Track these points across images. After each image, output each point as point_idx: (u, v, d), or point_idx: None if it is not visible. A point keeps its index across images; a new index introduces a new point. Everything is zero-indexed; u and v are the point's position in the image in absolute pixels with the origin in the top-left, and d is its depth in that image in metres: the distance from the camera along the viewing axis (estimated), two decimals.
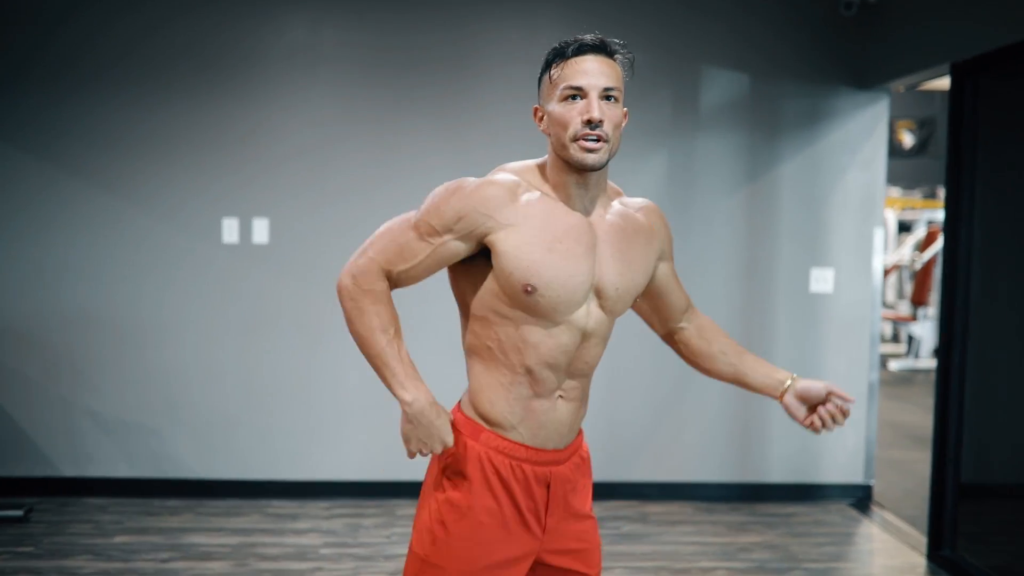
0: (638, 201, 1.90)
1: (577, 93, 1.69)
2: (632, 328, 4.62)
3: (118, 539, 4.00)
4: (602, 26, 4.58)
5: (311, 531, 4.16)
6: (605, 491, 4.66)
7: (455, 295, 1.84)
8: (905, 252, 10.01)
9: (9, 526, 4.11)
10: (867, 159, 4.66)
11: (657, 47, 4.57)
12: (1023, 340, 3.55)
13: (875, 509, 4.64)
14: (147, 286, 4.53)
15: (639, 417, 4.69)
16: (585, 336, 1.78)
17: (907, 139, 12.68)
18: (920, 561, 3.98)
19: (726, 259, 4.65)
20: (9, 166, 4.46)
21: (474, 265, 1.77)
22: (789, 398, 1.90)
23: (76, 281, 4.51)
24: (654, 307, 1.99)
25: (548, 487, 1.81)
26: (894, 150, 12.57)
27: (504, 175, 1.76)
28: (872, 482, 4.78)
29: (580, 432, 1.91)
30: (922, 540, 4.13)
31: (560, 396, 1.80)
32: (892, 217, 10.76)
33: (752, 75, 4.61)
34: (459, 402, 1.86)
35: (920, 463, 5.39)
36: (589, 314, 1.77)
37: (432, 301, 3.72)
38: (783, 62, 4.61)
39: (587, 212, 1.78)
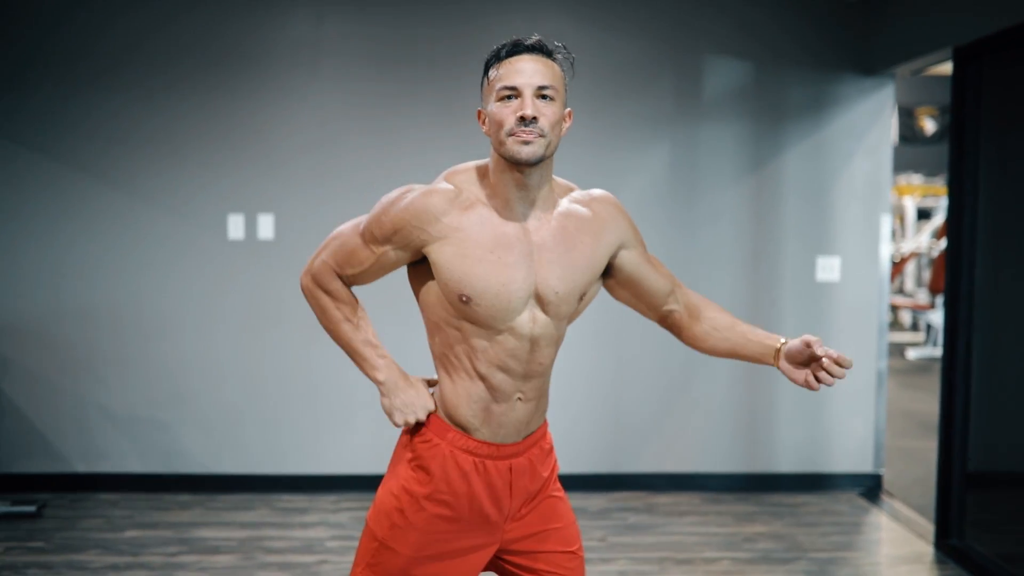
0: (590, 193, 1.90)
1: (512, 93, 1.72)
2: (637, 319, 4.61)
3: (128, 533, 4.05)
4: (603, 17, 4.60)
5: (319, 524, 4.19)
6: (611, 482, 4.67)
7: (417, 299, 1.89)
8: (923, 240, 9.92)
9: (23, 522, 4.17)
10: (873, 146, 4.62)
11: (659, 36, 4.56)
12: None
13: (885, 498, 4.62)
14: (155, 282, 4.57)
15: (645, 407, 4.68)
16: (533, 341, 1.81)
17: (928, 126, 12.55)
18: (928, 550, 3.96)
19: (731, 248, 4.63)
20: (16, 163, 4.52)
21: (424, 272, 1.83)
22: (783, 363, 1.85)
23: (84, 277, 4.56)
24: (635, 295, 1.97)
25: (510, 478, 1.87)
26: (916, 137, 12.46)
27: (444, 185, 1.80)
28: (882, 471, 4.76)
29: (545, 423, 1.95)
30: (930, 529, 4.10)
31: (519, 399, 1.84)
32: (911, 205, 10.67)
33: (755, 63, 4.58)
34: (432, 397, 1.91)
35: (933, 451, 5.34)
36: (534, 320, 1.80)
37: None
38: (786, 50, 4.58)
39: (524, 218, 1.79)
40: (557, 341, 1.86)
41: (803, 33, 4.57)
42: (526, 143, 1.70)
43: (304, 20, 4.52)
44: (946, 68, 4.55)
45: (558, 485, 1.98)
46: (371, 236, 1.81)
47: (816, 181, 4.63)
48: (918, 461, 5.30)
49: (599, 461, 4.66)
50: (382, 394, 1.86)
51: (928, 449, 5.49)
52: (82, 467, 4.61)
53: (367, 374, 1.87)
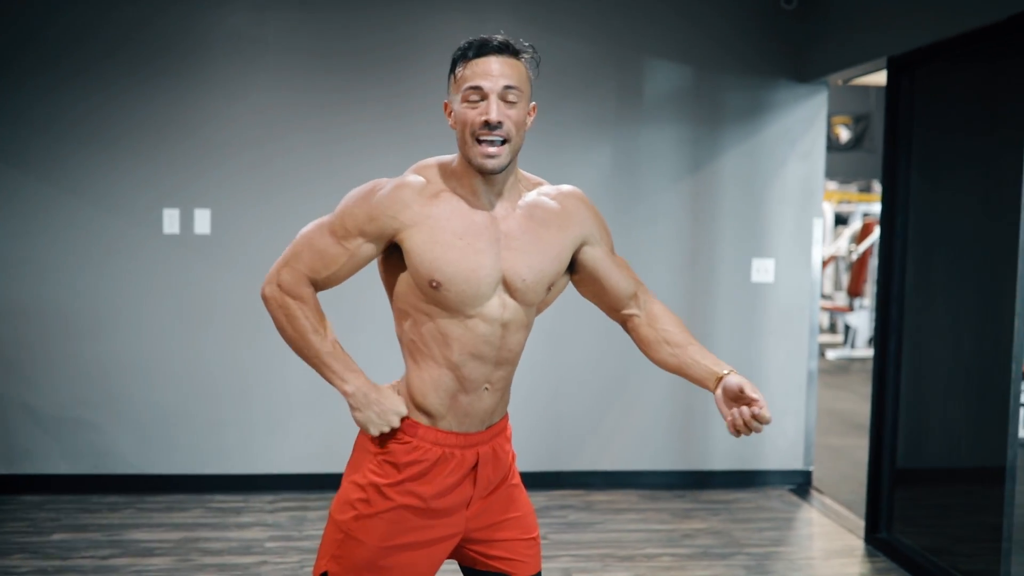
0: (559, 188, 1.94)
1: (478, 95, 1.74)
2: (577, 320, 4.66)
3: (56, 537, 3.92)
4: (548, 17, 4.62)
5: (256, 525, 4.11)
6: (551, 480, 4.70)
7: (387, 290, 1.90)
8: (842, 244, 10.22)
9: None
10: (806, 151, 4.75)
11: (602, 38, 4.60)
12: (956, 329, 3.66)
13: (814, 494, 4.75)
14: (86, 277, 4.43)
15: (583, 407, 4.72)
16: (504, 326, 1.83)
17: (843, 134, 12.94)
18: (858, 544, 4.08)
19: (669, 249, 4.71)
20: None
21: (394, 262, 1.84)
22: (718, 392, 1.86)
23: (12, 272, 4.39)
24: (596, 293, 2.00)
25: (476, 466, 1.89)
26: (831, 144, 12.84)
27: (413, 177, 1.82)
28: (812, 468, 4.89)
29: (506, 415, 1.98)
30: (859, 523, 4.23)
31: (487, 388, 1.86)
32: (829, 210, 10.98)
33: (695, 67, 4.66)
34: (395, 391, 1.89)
35: (857, 449, 5.53)
36: (504, 306, 1.83)
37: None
38: (726, 55, 4.67)
39: (492, 207, 1.82)
40: (527, 327, 1.89)
41: (742, 39, 4.67)
42: (491, 157, 1.74)
43: (244, 11, 4.43)
44: (862, 78, 4.70)
45: (516, 474, 2.01)
46: (343, 231, 1.80)
47: (752, 184, 4.73)
48: (844, 458, 5.46)
49: (538, 460, 4.68)
50: (352, 407, 1.83)
51: (853, 447, 5.67)
52: (3, 468, 4.44)
53: (336, 386, 1.85)
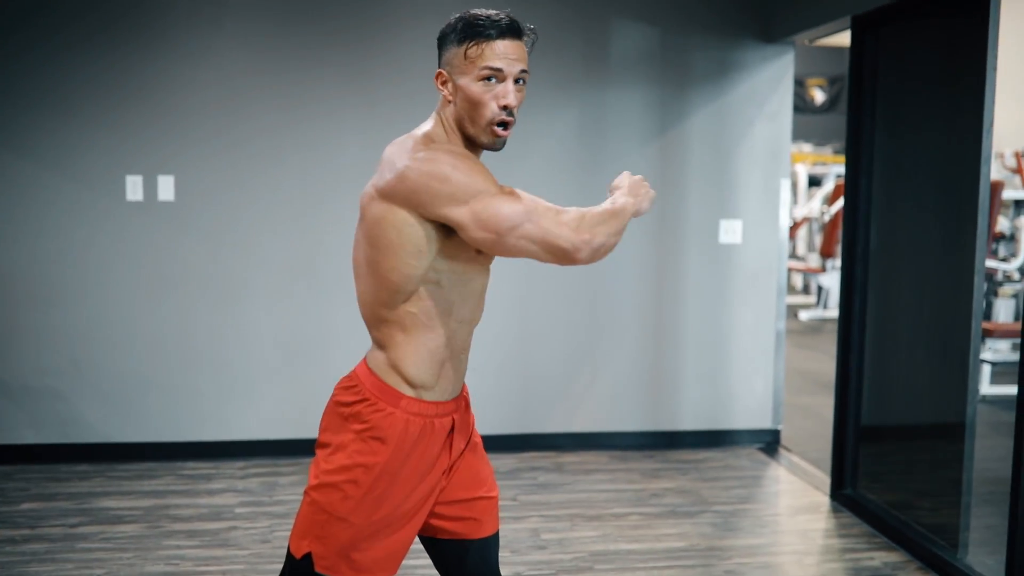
0: None
1: (495, 75, 1.77)
2: (545, 284, 4.66)
3: (24, 506, 3.91)
4: None
5: (226, 491, 4.12)
6: (520, 443, 4.73)
7: (389, 280, 1.80)
8: (815, 205, 10.26)
9: None
10: (773, 112, 4.75)
11: (567, 0, 4.56)
12: (920, 288, 3.69)
13: (783, 452, 4.80)
14: (49, 245, 4.38)
15: (552, 370, 4.74)
16: (487, 275, 1.91)
17: (818, 96, 12.96)
18: (823, 500, 4.14)
19: None
20: None
21: (412, 227, 1.75)
22: None
23: None
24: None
25: (451, 432, 1.91)
26: (806, 106, 12.88)
27: (444, 143, 1.80)
28: (780, 427, 4.94)
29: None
30: (826, 480, 4.29)
31: (462, 354, 1.91)
32: (803, 172, 11.00)
33: (661, 28, 4.64)
34: (368, 368, 1.86)
35: (826, 408, 5.57)
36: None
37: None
38: (692, 15, 4.65)
39: None
40: None
41: (708, 0, 4.65)
42: (500, 137, 1.80)
43: None
44: (837, 40, 4.69)
45: (476, 433, 2.05)
46: (495, 183, 1.75)
47: (719, 146, 4.73)
48: (813, 417, 5.52)
49: (508, 423, 4.70)
50: (632, 205, 1.95)
51: (822, 405, 5.73)
52: None
53: (627, 214, 1.90)
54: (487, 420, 4.61)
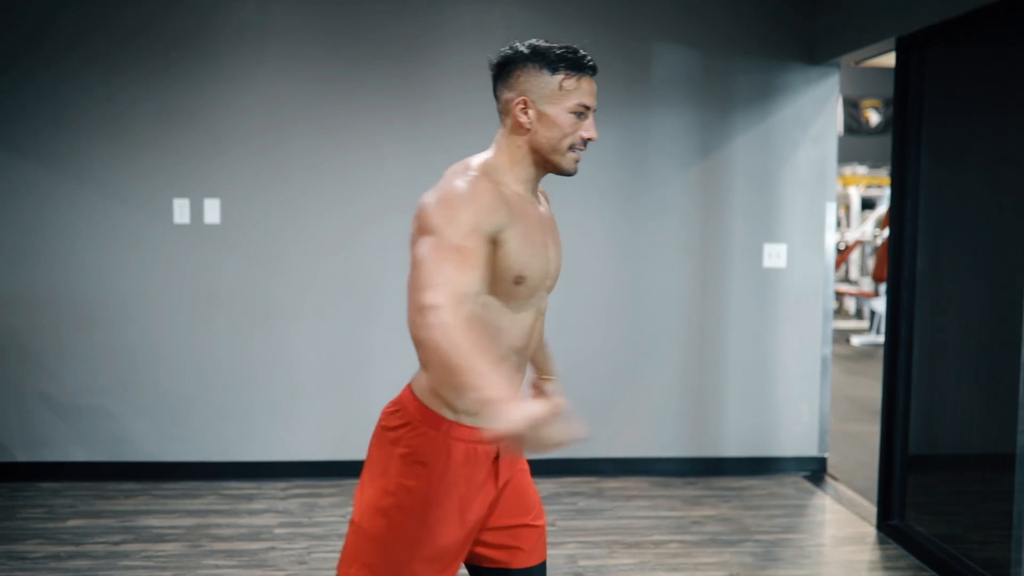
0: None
1: (585, 111, 1.84)
2: (586, 307, 4.64)
3: (70, 523, 3.98)
4: (552, 3, 4.58)
5: (266, 511, 4.15)
6: (561, 467, 4.70)
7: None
8: (867, 229, 10.10)
9: None
10: (818, 134, 4.69)
11: (608, 23, 4.56)
12: (967, 314, 3.60)
13: (829, 481, 4.70)
14: (99, 267, 4.48)
15: (594, 393, 4.71)
16: (538, 315, 1.90)
17: (873, 117, 12.79)
18: (870, 531, 4.04)
19: (680, 235, 4.67)
20: None
21: None
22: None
23: (29, 264, 4.46)
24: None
25: (495, 460, 1.89)
26: (860, 128, 12.70)
27: (481, 178, 1.76)
28: (826, 455, 4.84)
29: None
30: (872, 510, 4.19)
31: (512, 380, 1.88)
32: (856, 194, 10.84)
33: (703, 51, 4.61)
34: (412, 393, 1.85)
35: (876, 435, 5.45)
36: (542, 295, 1.90)
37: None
38: (734, 38, 4.62)
39: (537, 202, 1.92)
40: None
41: (750, 22, 4.62)
42: (576, 162, 1.87)
43: (250, 3, 4.45)
44: (891, 60, 4.62)
45: (524, 459, 2.01)
46: (461, 235, 1.65)
47: (763, 169, 4.68)
48: (861, 445, 5.40)
49: None
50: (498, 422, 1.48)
51: (871, 433, 5.60)
52: (23, 456, 4.51)
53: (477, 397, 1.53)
54: None
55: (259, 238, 4.52)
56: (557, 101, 1.81)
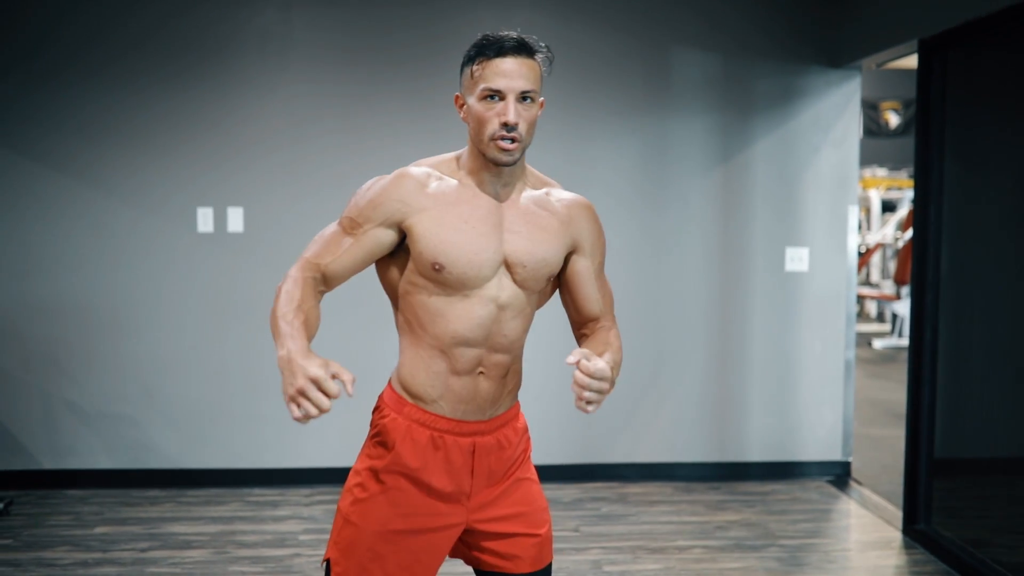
0: (569, 195, 1.96)
1: (496, 94, 1.77)
2: None
3: (98, 530, 4.01)
4: (573, 7, 4.60)
5: (291, 518, 4.17)
6: (584, 473, 4.69)
7: (384, 285, 1.95)
8: (888, 231, 10.04)
9: None
10: (840, 137, 4.67)
11: (628, 29, 4.57)
12: (992, 316, 3.58)
13: (853, 485, 4.68)
14: (123, 276, 4.52)
15: (617, 399, 4.70)
16: (500, 308, 1.85)
17: (893, 119, 12.72)
18: (896, 536, 4.02)
19: (702, 239, 4.67)
20: None
21: (395, 254, 1.89)
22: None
23: (52, 272, 4.51)
24: (567, 303, 2.03)
25: (472, 456, 1.88)
26: (880, 130, 12.63)
27: (416, 167, 1.88)
28: (850, 459, 4.82)
29: (516, 404, 1.98)
30: (898, 515, 4.16)
31: (481, 372, 1.86)
32: (876, 197, 10.79)
33: (723, 55, 4.61)
34: (390, 380, 1.96)
35: (899, 439, 5.40)
36: (501, 287, 1.85)
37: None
38: (754, 41, 4.61)
39: (496, 193, 1.87)
40: (525, 316, 1.90)
41: (770, 25, 4.61)
42: (505, 151, 1.78)
43: (272, 10, 4.49)
44: (910, 62, 4.60)
45: (532, 469, 2.01)
46: (350, 222, 1.84)
47: (784, 173, 4.67)
48: (885, 449, 5.37)
49: (572, 452, 4.68)
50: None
51: (895, 437, 5.57)
52: (50, 464, 4.55)
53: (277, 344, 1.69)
54: (551, 450, 4.60)
55: (282, 246, 4.54)
56: (471, 91, 1.80)
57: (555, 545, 3.80)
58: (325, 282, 1.84)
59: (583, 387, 1.66)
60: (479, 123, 1.79)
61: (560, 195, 1.95)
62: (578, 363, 1.66)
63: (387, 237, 1.83)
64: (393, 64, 4.53)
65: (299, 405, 1.57)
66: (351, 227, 1.83)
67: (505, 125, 1.76)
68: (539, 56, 1.81)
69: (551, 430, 4.58)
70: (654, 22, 4.58)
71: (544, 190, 1.94)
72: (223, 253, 4.54)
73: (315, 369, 1.57)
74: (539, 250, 1.87)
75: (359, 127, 4.53)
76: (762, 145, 4.65)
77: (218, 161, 4.51)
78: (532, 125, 1.80)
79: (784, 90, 4.63)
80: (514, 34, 1.79)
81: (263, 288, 4.56)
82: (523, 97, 1.78)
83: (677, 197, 4.65)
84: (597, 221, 1.97)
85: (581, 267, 1.97)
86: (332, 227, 1.87)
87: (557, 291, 2.03)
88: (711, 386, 4.72)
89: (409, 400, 1.88)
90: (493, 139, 1.78)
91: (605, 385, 1.68)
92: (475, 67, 1.79)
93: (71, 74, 4.43)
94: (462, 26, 4.52)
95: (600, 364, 1.66)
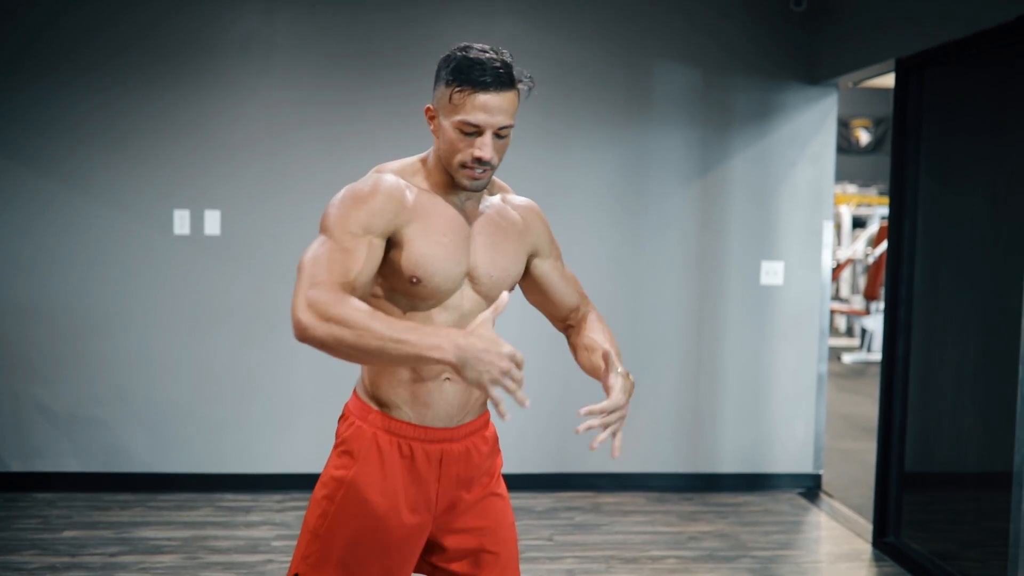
0: (520, 200, 1.98)
1: (474, 130, 1.72)
2: None
3: (66, 534, 3.96)
4: (556, 20, 4.62)
5: (263, 524, 4.14)
6: (558, 482, 4.70)
7: None
8: (859, 247, 10.16)
9: None
10: (816, 154, 4.73)
11: (610, 40, 4.60)
12: (965, 332, 3.63)
13: (824, 498, 4.72)
14: (98, 277, 4.48)
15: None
16: (463, 316, 1.83)
17: (863, 137, 12.88)
18: (865, 548, 4.06)
19: (678, 251, 4.70)
20: None
21: None
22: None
23: (25, 272, 4.45)
24: (540, 302, 2.06)
25: (440, 464, 1.87)
26: (851, 147, 12.79)
27: (389, 176, 1.80)
28: (821, 471, 4.86)
29: (485, 414, 1.96)
30: (868, 527, 4.21)
31: (447, 379, 1.83)
32: (847, 213, 10.91)
33: (704, 69, 4.65)
34: (355, 388, 1.92)
35: (869, 453, 5.47)
36: (463, 297, 1.84)
37: None
38: (735, 56, 4.66)
39: (463, 206, 1.85)
40: None
41: (751, 41, 4.66)
42: (476, 179, 1.77)
43: (254, 13, 4.47)
44: (882, 81, 4.68)
45: (501, 484, 1.99)
46: (350, 236, 1.71)
47: (761, 187, 4.72)
48: (855, 462, 5.43)
49: (545, 461, 4.68)
50: (457, 369, 1.55)
51: (864, 450, 5.63)
52: (18, 466, 4.49)
53: (427, 358, 1.57)
54: (525, 459, 4.60)
55: (259, 249, 4.52)
56: (447, 114, 1.73)
57: (528, 554, 3.81)
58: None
59: (608, 425, 1.76)
60: (451, 148, 1.74)
61: (514, 201, 1.95)
62: (590, 414, 1.72)
63: (382, 248, 1.75)
64: (374, 70, 4.52)
65: (504, 384, 1.54)
66: (352, 239, 1.70)
67: (479, 160, 1.73)
68: (521, 86, 1.76)
69: (525, 439, 4.58)
70: (637, 35, 4.61)
71: (499, 196, 1.94)
72: (199, 256, 4.50)
73: (506, 345, 1.55)
74: (504, 261, 1.88)
75: (339, 132, 4.52)
76: (740, 159, 4.69)
77: (196, 163, 4.48)
78: (502, 153, 1.78)
79: (762, 105, 4.68)
80: (497, 60, 1.71)
81: (239, 291, 4.54)
82: (500, 132, 1.74)
83: (656, 208, 4.68)
84: (545, 220, 2.01)
85: (547, 268, 2.01)
86: (326, 246, 1.69)
87: (523, 294, 2.05)
88: (686, 397, 4.75)
89: (375, 407, 1.85)
90: (464, 167, 1.75)
91: (622, 400, 1.78)
92: (454, 93, 1.71)
93: (52, 76, 4.39)
94: (444, 32, 4.53)
95: (606, 402, 1.75)
